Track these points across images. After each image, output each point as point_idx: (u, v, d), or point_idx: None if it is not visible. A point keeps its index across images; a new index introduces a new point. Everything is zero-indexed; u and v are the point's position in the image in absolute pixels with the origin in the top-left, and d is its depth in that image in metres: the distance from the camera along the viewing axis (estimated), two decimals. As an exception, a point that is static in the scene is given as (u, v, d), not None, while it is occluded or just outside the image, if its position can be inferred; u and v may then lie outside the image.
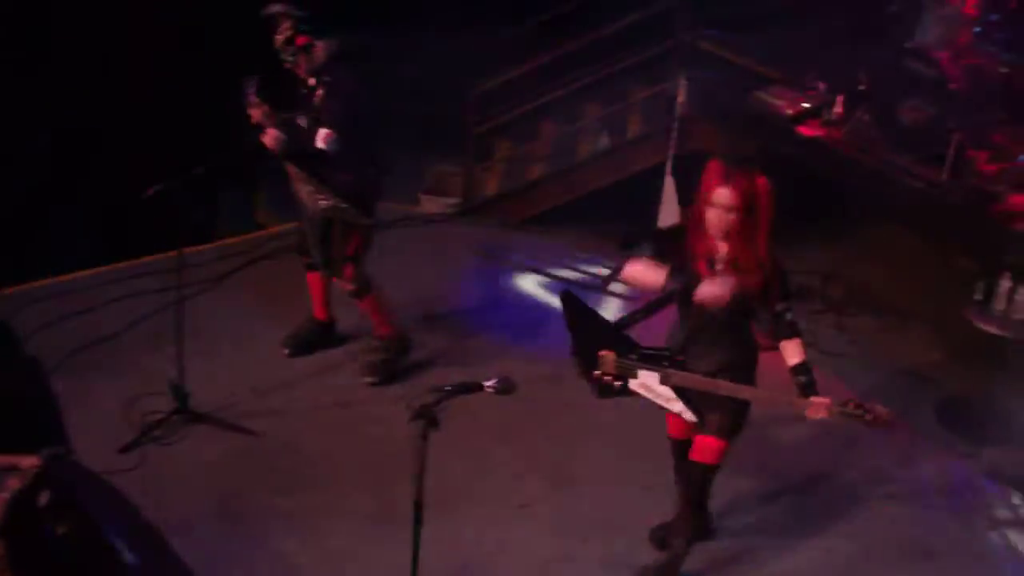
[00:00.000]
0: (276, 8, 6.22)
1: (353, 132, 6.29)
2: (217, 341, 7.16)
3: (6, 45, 8.12)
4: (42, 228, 7.95)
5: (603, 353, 5.27)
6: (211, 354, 6.94)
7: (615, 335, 5.31)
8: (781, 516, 6.10)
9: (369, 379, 6.93)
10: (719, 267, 4.97)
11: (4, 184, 8.05)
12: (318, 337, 7.20)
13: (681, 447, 5.52)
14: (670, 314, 5.36)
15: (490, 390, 4.46)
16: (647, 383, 5.22)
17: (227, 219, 9.13)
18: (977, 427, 6.81)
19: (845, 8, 8.79)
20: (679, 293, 5.16)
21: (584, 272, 8.43)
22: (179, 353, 6.33)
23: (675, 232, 5.24)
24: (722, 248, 4.96)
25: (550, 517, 6.02)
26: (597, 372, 5.30)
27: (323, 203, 6.47)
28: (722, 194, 4.82)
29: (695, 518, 5.45)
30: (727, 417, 5.13)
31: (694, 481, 5.32)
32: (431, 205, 9.21)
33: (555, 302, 7.79)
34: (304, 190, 6.53)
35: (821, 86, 8.55)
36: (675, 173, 8.30)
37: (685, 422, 5.33)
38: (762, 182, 4.86)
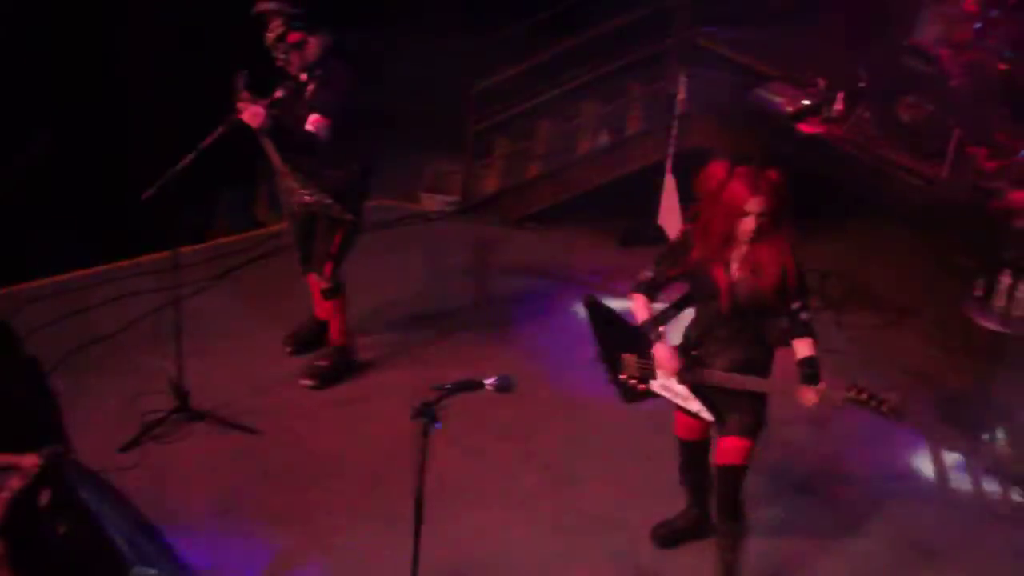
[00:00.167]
0: (267, 5, 6.18)
1: (343, 126, 6.24)
2: (217, 339, 7.15)
3: (7, 44, 8.11)
4: (41, 227, 7.94)
5: (625, 356, 5.28)
6: (211, 353, 6.93)
7: (637, 337, 5.26)
8: (783, 512, 6.09)
9: (308, 382, 6.86)
10: (736, 270, 4.95)
11: (3, 183, 8.04)
12: (319, 336, 7.19)
13: (690, 449, 5.51)
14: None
15: (490, 388, 4.47)
16: (666, 383, 5.21)
17: (227, 217, 9.13)
18: (978, 424, 6.80)
19: (845, 5, 8.79)
20: (694, 294, 5.15)
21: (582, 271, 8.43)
22: (178, 352, 6.33)
23: (680, 245, 5.14)
24: (740, 251, 4.93)
25: (551, 514, 6.02)
26: (623, 375, 5.30)
27: (307, 198, 6.46)
28: (755, 202, 4.77)
29: (735, 525, 5.30)
30: (749, 416, 5.09)
31: (725, 485, 5.22)
32: (431, 203, 9.21)
33: (554, 298, 7.89)
34: (288, 184, 6.52)
35: (821, 83, 8.55)
36: (675, 171, 8.30)
37: (695, 425, 5.33)
38: (777, 176, 4.83)
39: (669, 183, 8.37)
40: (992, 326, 7.10)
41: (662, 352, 5.12)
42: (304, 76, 6.28)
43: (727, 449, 5.14)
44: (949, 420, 6.86)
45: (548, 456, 6.43)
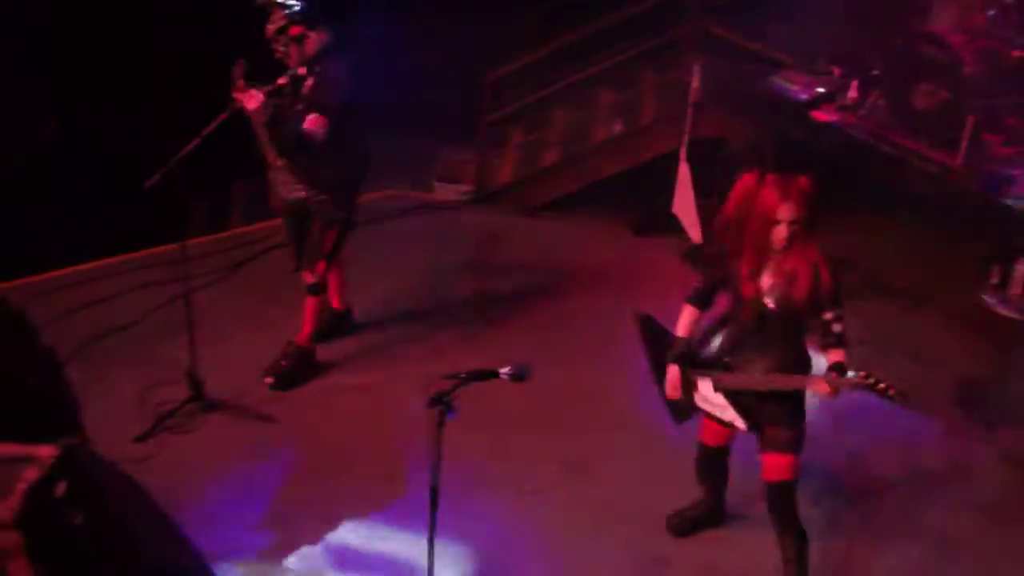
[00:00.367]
0: None
1: (339, 125, 6.25)
2: (232, 329, 7.19)
3: (12, 43, 8.14)
4: (53, 219, 7.96)
5: (669, 368, 5.28)
6: (226, 342, 6.96)
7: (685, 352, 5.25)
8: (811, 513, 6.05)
9: (268, 380, 6.82)
10: (768, 278, 4.90)
11: (15, 175, 8.07)
12: (335, 326, 7.20)
13: (712, 453, 5.51)
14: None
15: (505, 377, 4.46)
16: (704, 393, 5.21)
17: (241, 208, 9.15)
18: (993, 411, 6.78)
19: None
20: (728, 304, 5.12)
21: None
22: (192, 341, 6.35)
23: (716, 253, 5.12)
24: (774, 259, 4.88)
25: (565, 503, 6.02)
26: (669, 395, 5.30)
27: (300, 194, 6.47)
28: (786, 210, 4.74)
29: (799, 539, 5.23)
30: (791, 431, 5.05)
31: (778, 500, 5.17)
32: (445, 192, 9.22)
33: (568, 287, 7.88)
34: (281, 179, 6.52)
35: (835, 71, 8.53)
36: (690, 159, 8.29)
37: (723, 432, 5.34)
38: (807, 183, 4.79)
39: (683, 172, 8.35)
40: (1008, 313, 7.08)
41: (670, 375, 5.20)
42: (303, 70, 6.28)
43: (774, 466, 5.10)
44: (965, 408, 6.84)
45: (563, 445, 6.43)
